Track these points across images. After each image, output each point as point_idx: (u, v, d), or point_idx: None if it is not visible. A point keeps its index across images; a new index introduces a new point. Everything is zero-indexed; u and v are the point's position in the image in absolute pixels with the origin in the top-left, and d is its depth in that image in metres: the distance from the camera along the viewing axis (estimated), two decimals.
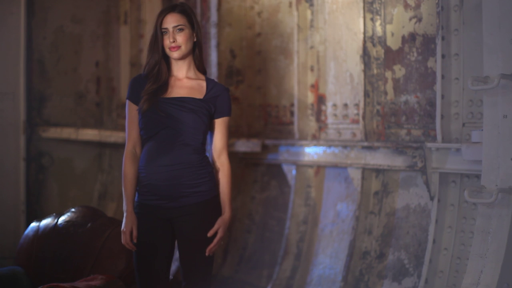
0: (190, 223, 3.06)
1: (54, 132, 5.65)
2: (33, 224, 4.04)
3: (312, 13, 4.73)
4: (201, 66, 3.20)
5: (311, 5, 4.73)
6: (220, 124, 3.16)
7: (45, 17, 5.68)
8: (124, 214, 3.07)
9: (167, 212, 3.07)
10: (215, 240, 3.07)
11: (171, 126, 3.05)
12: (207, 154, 3.20)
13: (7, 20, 5.34)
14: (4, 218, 5.27)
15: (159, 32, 3.08)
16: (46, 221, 4.00)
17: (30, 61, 5.54)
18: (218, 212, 3.13)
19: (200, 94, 3.12)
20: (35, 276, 3.82)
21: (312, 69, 4.75)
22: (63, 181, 5.78)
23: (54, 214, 4.11)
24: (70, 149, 5.81)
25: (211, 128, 3.19)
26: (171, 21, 3.07)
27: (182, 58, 3.12)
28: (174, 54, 3.09)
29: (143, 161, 3.08)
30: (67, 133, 5.69)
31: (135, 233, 3.04)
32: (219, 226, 3.08)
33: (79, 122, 5.88)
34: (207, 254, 3.06)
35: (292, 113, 4.94)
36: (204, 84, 3.16)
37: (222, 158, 3.17)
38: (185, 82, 3.14)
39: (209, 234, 3.05)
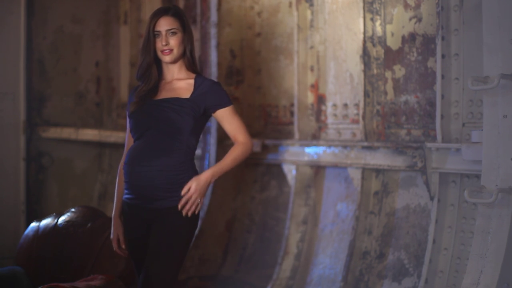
0: (157, 228, 2.98)
1: (54, 132, 5.65)
2: (33, 224, 4.04)
3: (312, 13, 4.73)
4: (190, 68, 3.13)
5: (311, 5, 4.72)
6: (221, 117, 3.08)
7: (45, 17, 5.68)
8: (112, 222, 3.14)
9: (144, 213, 3.01)
10: (186, 198, 2.92)
11: (154, 127, 3.01)
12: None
13: (7, 20, 5.34)
14: (4, 218, 5.27)
15: (151, 35, 3.05)
16: (46, 221, 4.00)
17: (30, 61, 5.55)
18: (188, 220, 2.98)
19: (187, 94, 3.06)
20: (35, 276, 3.82)
21: (312, 69, 4.75)
22: (63, 181, 5.78)
23: (54, 214, 4.11)
24: (70, 149, 5.82)
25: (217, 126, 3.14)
26: (164, 25, 3.04)
27: (174, 62, 3.09)
28: (166, 58, 3.06)
29: (125, 160, 3.07)
30: (67, 133, 5.69)
31: (121, 239, 3.11)
32: (191, 184, 2.94)
33: (79, 122, 5.88)
34: (183, 212, 2.93)
35: (292, 113, 4.94)
36: (192, 82, 3.10)
37: (238, 140, 3.08)
38: (173, 83, 3.11)
39: (182, 192, 2.93)
